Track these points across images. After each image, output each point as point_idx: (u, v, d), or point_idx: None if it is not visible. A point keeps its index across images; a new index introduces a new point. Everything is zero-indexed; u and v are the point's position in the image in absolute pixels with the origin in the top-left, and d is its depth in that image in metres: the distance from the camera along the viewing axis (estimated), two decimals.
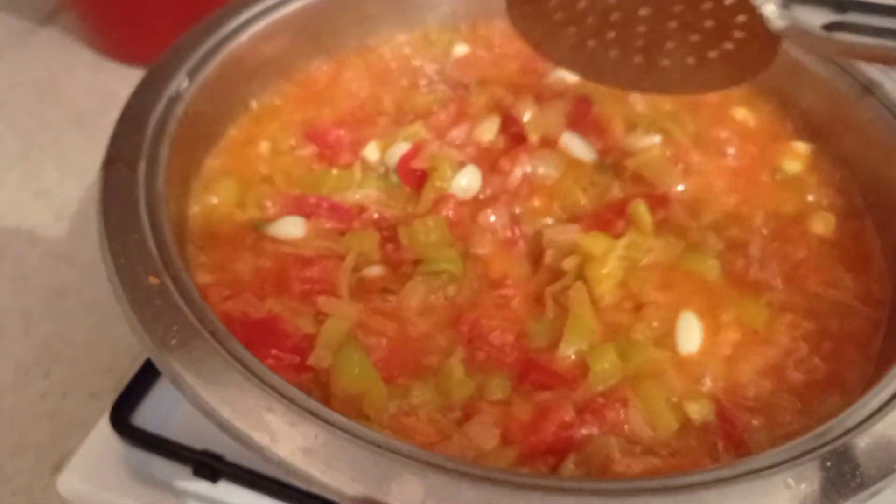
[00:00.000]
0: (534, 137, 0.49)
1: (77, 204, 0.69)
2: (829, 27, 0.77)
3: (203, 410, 0.30)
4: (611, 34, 0.41)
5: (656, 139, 0.50)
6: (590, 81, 0.46)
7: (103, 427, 0.47)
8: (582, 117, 0.51)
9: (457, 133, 0.51)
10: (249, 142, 0.50)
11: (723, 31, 0.40)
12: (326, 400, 0.36)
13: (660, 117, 0.52)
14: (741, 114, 0.55)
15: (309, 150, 0.50)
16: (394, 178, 0.48)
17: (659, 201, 0.46)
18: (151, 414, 0.48)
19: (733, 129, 0.53)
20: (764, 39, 0.40)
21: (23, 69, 0.83)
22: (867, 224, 0.48)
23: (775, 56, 0.40)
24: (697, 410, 0.38)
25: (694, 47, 0.41)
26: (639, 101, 0.54)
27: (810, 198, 0.50)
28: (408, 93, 0.56)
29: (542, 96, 0.53)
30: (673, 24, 0.40)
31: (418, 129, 0.51)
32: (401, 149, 0.49)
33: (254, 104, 0.52)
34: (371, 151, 0.50)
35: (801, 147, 0.53)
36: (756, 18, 0.39)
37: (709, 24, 0.39)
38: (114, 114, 0.44)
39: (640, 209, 0.44)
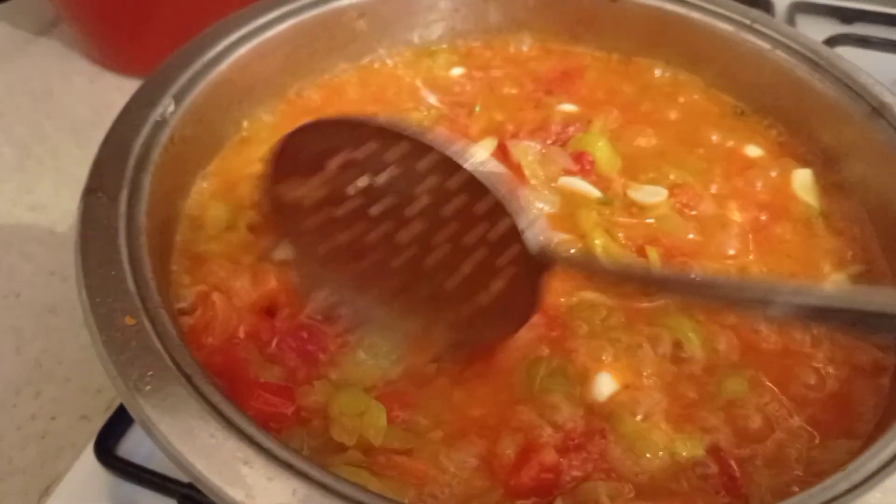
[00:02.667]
0: (532, 181, 0.48)
1: (72, 218, 0.67)
2: (834, 40, 0.77)
3: (176, 462, 0.29)
4: (372, 259, 0.37)
5: (663, 194, 0.48)
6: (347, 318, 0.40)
7: (89, 455, 0.46)
8: (583, 170, 0.50)
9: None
10: (240, 165, 0.49)
11: (492, 268, 0.36)
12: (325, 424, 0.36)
13: (667, 163, 0.51)
14: (752, 151, 0.53)
15: None
16: None
17: (669, 252, 0.45)
18: (138, 443, 0.47)
19: (744, 166, 0.52)
20: (529, 285, 0.35)
21: (19, 79, 0.82)
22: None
23: (539, 305, 0.36)
24: (687, 448, 0.37)
25: (455, 294, 0.36)
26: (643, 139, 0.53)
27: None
28: (401, 111, 0.55)
29: (543, 128, 0.52)
30: (437, 256, 0.36)
31: None
32: None
33: (245, 125, 0.51)
34: None
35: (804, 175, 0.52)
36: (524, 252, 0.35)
37: (472, 261, 0.36)
38: (110, 125, 0.43)
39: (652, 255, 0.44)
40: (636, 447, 0.36)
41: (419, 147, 0.34)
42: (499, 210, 0.34)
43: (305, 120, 0.52)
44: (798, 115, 0.53)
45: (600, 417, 0.37)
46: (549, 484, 0.34)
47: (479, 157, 0.34)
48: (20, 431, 0.54)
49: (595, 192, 0.48)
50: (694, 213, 0.48)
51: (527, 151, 0.49)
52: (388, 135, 0.34)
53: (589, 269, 0.38)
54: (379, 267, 0.37)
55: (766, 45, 0.54)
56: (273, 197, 0.37)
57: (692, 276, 0.37)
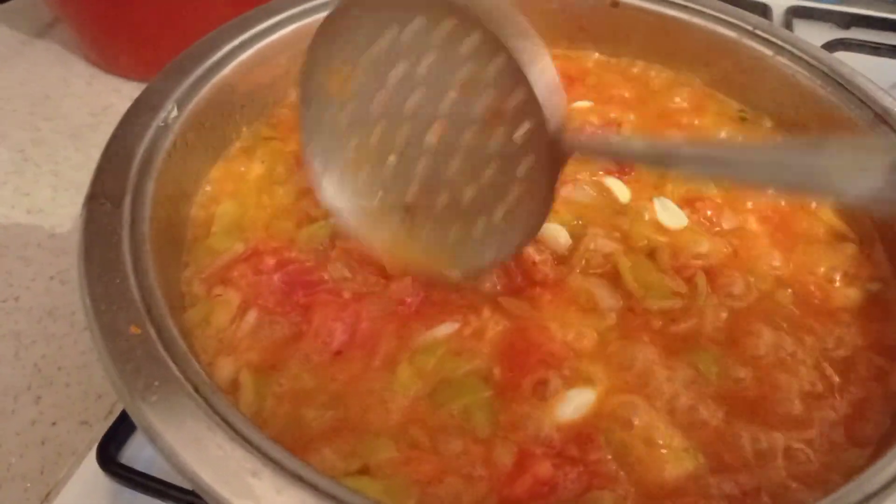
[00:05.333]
0: (577, 176, 0.49)
1: (71, 221, 0.68)
2: (832, 45, 0.77)
3: (183, 473, 0.29)
4: (390, 161, 0.36)
5: (684, 221, 0.47)
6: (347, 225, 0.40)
7: (91, 462, 0.46)
8: (621, 171, 0.50)
9: None
10: (243, 170, 0.49)
11: (500, 187, 0.35)
12: None
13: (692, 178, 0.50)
14: None
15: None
16: None
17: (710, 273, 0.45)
18: (140, 450, 0.47)
19: None
20: (540, 195, 0.35)
21: (17, 82, 0.81)
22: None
23: (545, 218, 0.36)
24: (690, 458, 0.36)
25: (461, 213, 0.36)
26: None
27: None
28: None
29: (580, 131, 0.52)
30: (453, 167, 0.35)
31: None
32: None
33: (246, 132, 0.51)
34: None
35: None
36: (539, 166, 0.34)
37: (489, 174, 0.35)
38: (109, 128, 0.42)
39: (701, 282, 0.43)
40: (636, 458, 0.36)
41: (464, 25, 0.33)
42: (526, 105, 0.33)
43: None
44: (799, 122, 0.54)
45: (597, 429, 0.37)
46: (546, 494, 0.34)
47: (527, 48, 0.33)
48: (20, 437, 0.53)
49: (625, 196, 0.48)
50: (717, 228, 0.47)
51: None
52: (437, 7, 0.33)
53: (608, 152, 0.37)
54: (402, 170, 0.36)
55: (767, 51, 0.55)
56: (311, 84, 0.36)
57: (719, 150, 0.34)
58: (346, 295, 0.40)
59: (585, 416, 0.37)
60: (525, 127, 0.34)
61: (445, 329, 0.40)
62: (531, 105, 0.33)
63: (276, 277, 0.41)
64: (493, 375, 0.38)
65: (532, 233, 0.36)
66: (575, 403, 0.37)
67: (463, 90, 0.34)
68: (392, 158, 0.36)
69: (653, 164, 0.38)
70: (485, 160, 0.34)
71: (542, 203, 0.35)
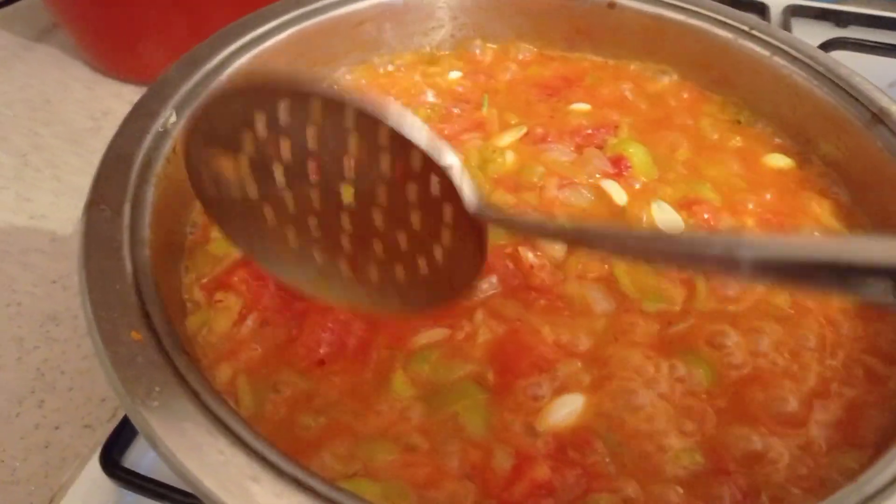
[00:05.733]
0: (574, 179, 0.49)
1: (72, 226, 0.68)
2: (830, 44, 0.77)
3: (185, 478, 0.29)
4: (312, 222, 0.35)
5: (681, 225, 0.47)
6: (291, 283, 0.38)
7: (94, 466, 0.46)
8: (619, 174, 0.50)
9: (468, 136, 0.51)
10: None
11: (431, 231, 0.34)
12: None
13: (689, 180, 0.51)
14: (776, 160, 0.53)
15: None
16: None
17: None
18: (143, 453, 0.47)
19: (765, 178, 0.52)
20: (471, 237, 0.33)
21: (17, 86, 0.82)
22: None
23: (481, 270, 0.34)
24: (688, 457, 0.36)
25: (402, 255, 0.35)
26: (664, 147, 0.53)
27: None
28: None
29: (577, 132, 0.53)
30: (378, 219, 0.34)
31: None
32: None
33: None
34: None
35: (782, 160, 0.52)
36: (461, 214, 0.32)
37: (415, 221, 0.34)
38: (109, 132, 0.43)
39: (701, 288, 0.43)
40: (634, 460, 0.36)
41: (335, 105, 0.31)
42: (429, 166, 0.32)
43: None
44: (796, 122, 0.54)
45: (593, 432, 0.37)
46: (544, 498, 0.34)
47: (398, 112, 0.31)
48: (23, 441, 0.53)
49: (622, 199, 0.48)
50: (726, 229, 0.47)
51: (561, 154, 0.50)
52: (300, 95, 0.31)
53: (523, 228, 0.35)
54: (328, 228, 0.35)
55: (764, 52, 0.55)
56: (200, 178, 0.35)
57: (637, 232, 0.34)
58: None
59: (580, 419, 0.37)
60: (437, 183, 0.33)
61: (438, 334, 0.40)
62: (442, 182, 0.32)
63: (274, 283, 0.41)
64: (487, 379, 0.38)
65: (472, 279, 0.35)
66: (569, 407, 0.37)
67: (359, 157, 0.33)
68: (313, 220, 0.35)
69: (567, 243, 0.37)
70: (406, 209, 0.33)
71: (476, 254, 0.34)
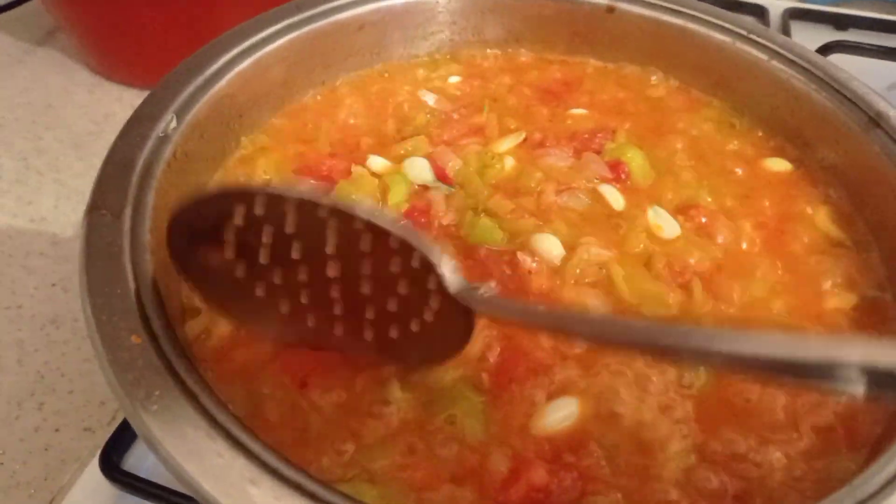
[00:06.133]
0: (572, 184, 0.49)
1: (73, 229, 0.68)
2: (829, 47, 0.77)
3: (184, 482, 0.30)
4: (304, 296, 0.36)
5: (678, 230, 0.47)
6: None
7: (94, 469, 0.47)
8: (618, 179, 0.50)
9: (467, 141, 0.52)
10: (243, 178, 0.49)
11: (418, 297, 0.35)
12: None
13: (687, 185, 0.51)
14: (774, 164, 0.54)
15: (306, 184, 0.49)
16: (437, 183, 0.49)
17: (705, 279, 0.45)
18: (143, 456, 0.47)
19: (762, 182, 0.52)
20: (457, 308, 0.34)
21: (19, 90, 0.82)
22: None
23: (471, 333, 0.35)
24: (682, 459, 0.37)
25: (393, 316, 0.36)
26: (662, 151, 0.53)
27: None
28: (404, 117, 0.55)
29: (575, 137, 0.53)
30: (367, 289, 0.35)
31: (420, 143, 0.51)
32: (419, 161, 0.49)
33: (245, 140, 0.51)
34: (375, 162, 0.50)
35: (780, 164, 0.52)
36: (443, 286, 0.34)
37: (402, 288, 0.35)
38: (110, 136, 0.43)
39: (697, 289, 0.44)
40: (629, 463, 0.36)
41: (308, 204, 0.33)
42: (409, 248, 0.33)
43: (306, 134, 0.53)
44: (795, 126, 0.54)
45: (589, 435, 0.37)
46: (541, 501, 0.34)
47: (368, 206, 0.33)
48: (23, 444, 0.54)
49: (619, 204, 0.48)
50: (712, 236, 0.47)
51: (559, 159, 0.50)
52: (273, 199, 0.33)
53: (507, 314, 0.36)
54: (319, 299, 0.36)
55: (762, 56, 0.55)
56: (187, 267, 0.37)
57: (623, 323, 0.34)
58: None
59: (576, 422, 0.37)
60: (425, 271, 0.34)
61: None
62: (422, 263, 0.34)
63: None
64: (483, 383, 0.39)
65: (466, 339, 0.36)
66: (565, 411, 0.37)
67: (340, 241, 0.34)
68: (305, 296, 0.36)
69: (552, 331, 0.37)
70: (393, 279, 0.34)
71: (464, 321, 0.35)
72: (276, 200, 0.33)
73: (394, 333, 0.36)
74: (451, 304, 0.34)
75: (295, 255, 0.34)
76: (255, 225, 0.34)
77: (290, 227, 0.33)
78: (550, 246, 0.44)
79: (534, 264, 0.43)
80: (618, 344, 0.30)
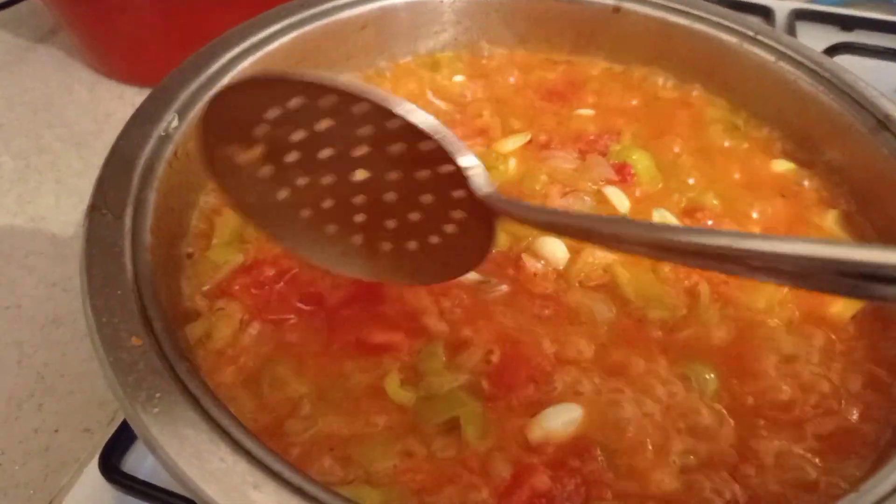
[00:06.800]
0: (577, 187, 0.49)
1: (73, 229, 0.68)
2: (835, 49, 0.77)
3: (185, 486, 0.29)
4: (327, 202, 0.36)
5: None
6: (313, 261, 0.39)
7: (93, 470, 0.46)
8: (623, 181, 0.50)
9: (471, 142, 0.51)
10: None
11: (441, 209, 0.35)
12: None
13: (692, 188, 0.50)
14: (781, 165, 0.53)
15: None
16: None
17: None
18: (143, 458, 0.47)
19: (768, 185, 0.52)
20: (481, 221, 0.34)
21: (20, 89, 0.82)
22: None
23: (491, 246, 0.35)
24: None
25: (414, 229, 0.36)
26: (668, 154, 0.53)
27: None
28: None
29: (580, 138, 0.53)
30: (391, 197, 0.35)
31: None
32: None
33: None
34: None
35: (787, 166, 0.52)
36: (472, 196, 0.34)
37: (427, 199, 0.35)
38: (111, 135, 0.43)
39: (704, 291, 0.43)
40: (633, 467, 0.36)
41: (348, 98, 0.32)
42: (440, 155, 0.33)
43: None
44: (802, 127, 0.53)
45: (592, 440, 0.37)
46: None
47: (407, 105, 0.32)
48: (22, 445, 0.53)
49: (624, 206, 0.48)
50: None
51: (564, 161, 0.50)
52: (313, 89, 0.32)
53: (529, 217, 0.35)
54: (342, 207, 0.36)
55: (769, 57, 0.54)
56: (214, 162, 0.36)
57: (645, 224, 0.34)
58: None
59: (579, 427, 0.37)
60: (447, 170, 0.34)
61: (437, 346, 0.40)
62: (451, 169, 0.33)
63: (276, 288, 0.41)
64: (484, 388, 0.38)
65: (483, 256, 0.36)
66: (568, 415, 0.37)
67: (372, 143, 0.34)
68: (328, 201, 0.36)
69: (575, 237, 0.36)
70: (418, 189, 0.34)
71: (486, 235, 0.35)
72: (315, 91, 0.32)
73: (412, 246, 0.37)
74: (475, 214, 0.34)
75: (324, 155, 0.34)
76: (288, 120, 0.33)
77: (323, 124, 0.33)
78: (555, 249, 0.44)
79: (539, 266, 0.43)
80: (647, 248, 0.29)
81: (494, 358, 0.39)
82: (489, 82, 0.58)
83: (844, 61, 0.74)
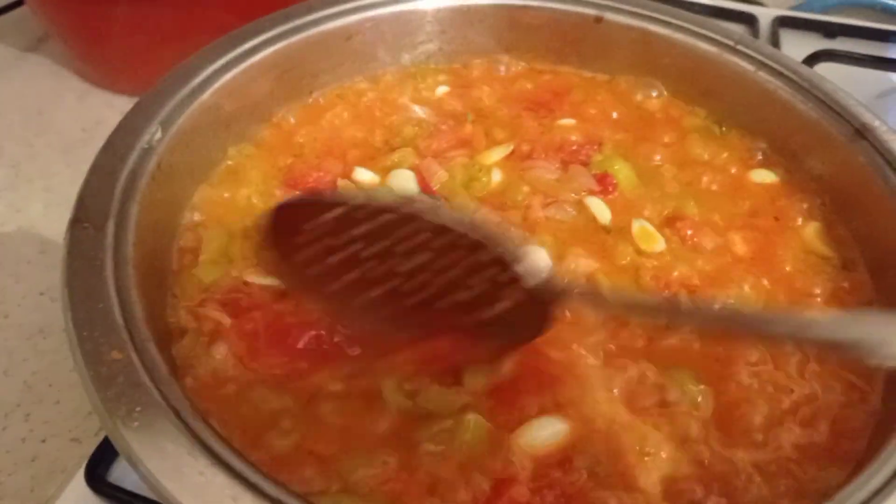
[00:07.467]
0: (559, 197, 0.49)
1: (62, 238, 0.68)
2: (818, 56, 0.77)
3: (164, 499, 0.29)
4: (376, 292, 0.39)
5: (662, 244, 0.47)
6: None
7: (79, 481, 0.46)
8: (604, 191, 0.50)
9: (454, 153, 0.52)
10: (229, 192, 0.49)
11: (493, 294, 0.37)
12: None
13: (673, 197, 0.51)
14: (761, 175, 0.54)
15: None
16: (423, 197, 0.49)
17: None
18: (129, 468, 0.46)
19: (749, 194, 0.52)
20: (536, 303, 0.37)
21: (10, 96, 0.82)
22: None
23: (550, 319, 0.38)
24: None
25: (466, 309, 0.38)
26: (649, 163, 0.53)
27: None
28: (392, 128, 0.55)
29: (561, 148, 0.53)
30: (441, 284, 0.37)
31: (407, 155, 0.51)
32: (404, 174, 0.49)
33: (232, 151, 0.51)
34: (361, 175, 0.50)
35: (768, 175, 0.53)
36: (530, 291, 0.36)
37: (478, 289, 0.37)
38: (100, 143, 0.43)
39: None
40: (615, 478, 0.36)
41: (404, 217, 0.36)
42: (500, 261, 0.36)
43: (293, 145, 0.53)
44: (782, 137, 0.54)
45: (574, 450, 0.37)
46: None
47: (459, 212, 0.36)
48: (10, 455, 0.53)
49: (605, 217, 0.48)
50: (698, 248, 0.47)
51: (546, 172, 0.51)
52: (360, 209, 0.36)
53: (596, 303, 0.38)
54: (380, 299, 0.39)
55: (749, 67, 0.55)
56: (272, 260, 0.41)
57: (708, 307, 0.38)
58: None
59: (561, 440, 0.37)
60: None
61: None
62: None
63: (260, 314, 0.41)
64: (469, 403, 0.38)
65: (538, 334, 0.39)
66: (550, 429, 0.37)
67: (427, 250, 0.37)
68: (377, 288, 0.38)
69: (643, 318, 0.40)
70: (468, 275, 0.37)
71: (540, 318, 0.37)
72: (359, 208, 0.36)
73: (467, 326, 0.39)
74: (529, 298, 0.36)
75: (370, 254, 0.37)
76: (336, 229, 0.37)
77: (371, 233, 0.37)
78: (537, 257, 0.44)
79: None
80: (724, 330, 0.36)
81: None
82: (473, 92, 0.59)
83: (827, 69, 0.75)
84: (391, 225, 0.36)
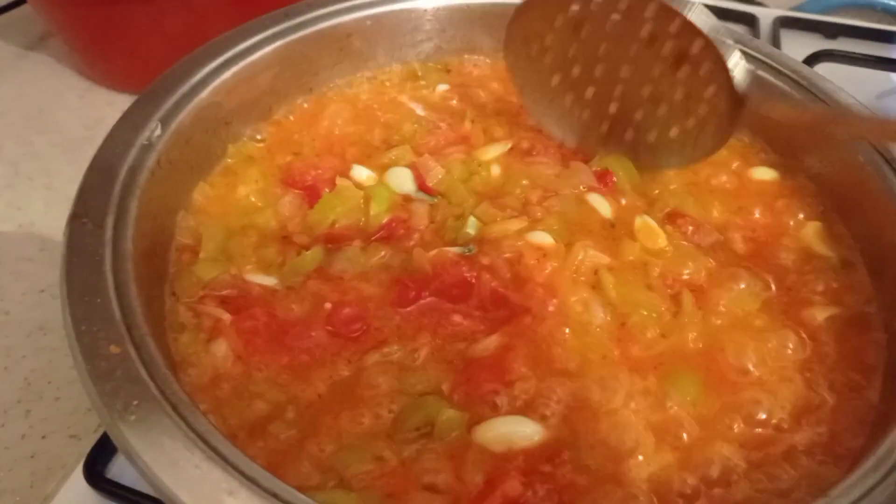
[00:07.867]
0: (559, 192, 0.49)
1: (62, 235, 0.68)
2: (818, 56, 0.77)
3: (161, 493, 0.30)
4: (589, 91, 0.45)
5: (664, 240, 0.47)
6: (556, 136, 0.52)
7: (78, 477, 0.47)
8: (605, 188, 0.50)
9: (452, 150, 0.52)
10: (227, 188, 0.49)
11: (690, 104, 0.44)
12: None
13: (674, 194, 0.51)
14: (761, 173, 0.54)
15: (290, 195, 0.49)
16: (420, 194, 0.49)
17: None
18: (127, 465, 0.47)
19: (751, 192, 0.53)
20: (723, 118, 0.44)
21: (11, 95, 0.82)
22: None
23: (728, 137, 0.45)
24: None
25: (658, 121, 0.46)
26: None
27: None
28: (391, 126, 0.55)
29: (562, 146, 0.54)
30: (646, 91, 0.44)
31: (404, 152, 0.51)
32: (401, 172, 0.49)
33: (231, 149, 0.51)
34: (359, 172, 0.50)
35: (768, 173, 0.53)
36: (722, 92, 0.43)
37: (679, 95, 0.44)
38: (101, 141, 0.43)
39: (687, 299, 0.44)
40: (605, 472, 0.36)
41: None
42: (705, 53, 0.43)
43: (292, 143, 0.53)
44: (782, 136, 0.54)
45: (564, 444, 0.37)
46: None
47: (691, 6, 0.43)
48: (9, 451, 0.53)
49: (607, 212, 0.48)
50: (699, 245, 0.48)
51: (546, 167, 0.51)
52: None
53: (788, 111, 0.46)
54: (601, 96, 0.48)
55: (749, 66, 0.55)
56: (513, 49, 0.51)
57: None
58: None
59: (550, 433, 0.37)
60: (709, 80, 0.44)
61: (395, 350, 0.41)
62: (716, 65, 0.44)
63: (259, 312, 0.41)
64: (455, 396, 0.39)
65: (717, 147, 0.47)
66: (534, 426, 0.37)
67: (647, 42, 0.45)
68: (591, 90, 0.48)
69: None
70: (673, 85, 0.45)
71: (728, 119, 0.45)
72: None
73: (651, 137, 0.47)
74: (723, 106, 0.44)
75: (601, 51, 0.46)
76: (584, 16, 0.46)
77: (612, 22, 0.44)
78: (544, 240, 0.45)
79: (533, 259, 0.44)
80: None
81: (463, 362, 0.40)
82: (472, 90, 0.59)
83: (827, 69, 0.75)
84: (626, 13, 0.44)
